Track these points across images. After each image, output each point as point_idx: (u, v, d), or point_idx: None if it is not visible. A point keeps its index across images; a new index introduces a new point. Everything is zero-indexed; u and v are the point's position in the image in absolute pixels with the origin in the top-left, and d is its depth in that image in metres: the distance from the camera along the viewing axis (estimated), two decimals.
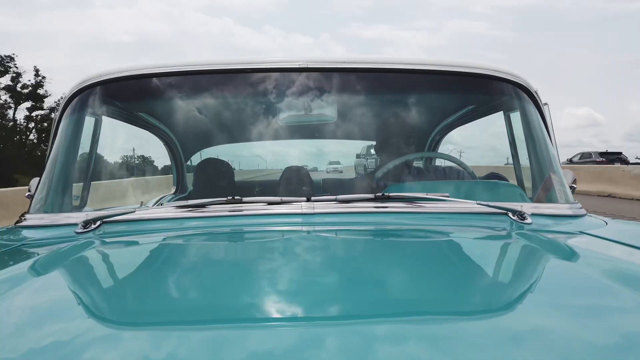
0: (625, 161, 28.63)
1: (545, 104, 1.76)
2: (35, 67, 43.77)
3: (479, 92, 1.98)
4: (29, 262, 1.10)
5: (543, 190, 1.62)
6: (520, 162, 1.90)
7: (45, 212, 1.50)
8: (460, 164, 1.99)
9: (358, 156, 2.71)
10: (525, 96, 1.72)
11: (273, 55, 1.65)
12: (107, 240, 1.27)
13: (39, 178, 1.62)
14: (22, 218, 1.47)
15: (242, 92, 1.82)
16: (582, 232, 1.33)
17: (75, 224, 1.35)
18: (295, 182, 2.07)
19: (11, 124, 44.82)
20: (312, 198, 1.41)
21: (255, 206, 1.39)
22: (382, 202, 1.41)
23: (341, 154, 2.85)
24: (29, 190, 1.70)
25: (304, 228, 1.31)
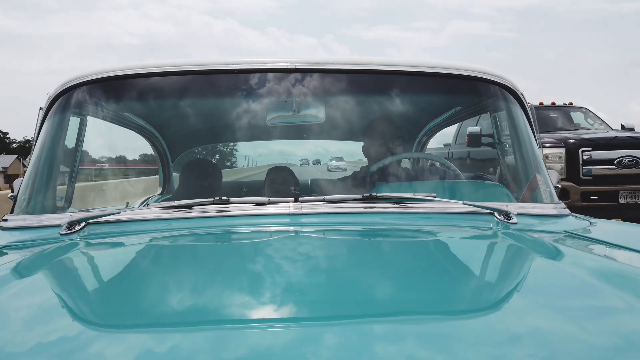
0: None
1: (530, 104, 1.78)
2: None
3: (466, 94, 2.00)
4: (12, 264, 1.08)
5: (528, 190, 1.64)
6: (506, 162, 1.92)
7: (29, 213, 1.47)
8: (446, 164, 2.01)
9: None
10: (511, 97, 1.74)
11: (260, 56, 1.64)
12: (92, 241, 1.26)
13: (21, 179, 1.60)
14: (4, 219, 1.45)
15: (228, 92, 1.81)
16: (566, 232, 1.35)
17: (59, 225, 1.33)
18: (282, 183, 2.06)
19: None
20: (300, 198, 1.40)
21: (243, 207, 1.39)
22: (370, 202, 1.41)
23: (330, 155, 2.84)
24: (12, 192, 1.67)
25: (292, 228, 1.30)
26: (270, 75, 1.66)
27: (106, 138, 2.20)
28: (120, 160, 2.51)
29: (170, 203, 1.39)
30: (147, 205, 2.25)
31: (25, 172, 1.59)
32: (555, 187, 1.70)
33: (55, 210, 1.55)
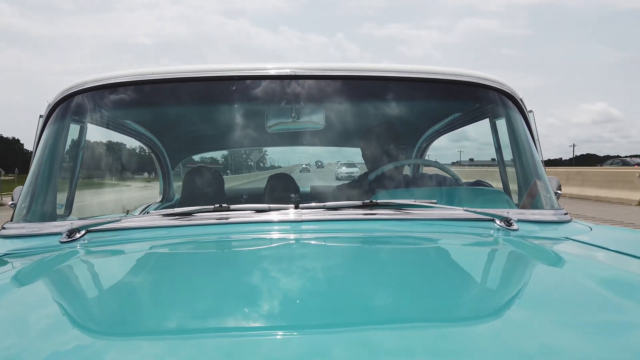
0: None
1: (530, 111, 1.79)
2: None
3: (465, 100, 2.00)
4: (11, 272, 1.08)
5: (529, 197, 1.64)
6: (506, 169, 1.92)
7: (28, 221, 1.47)
8: (447, 170, 2.00)
9: None
10: (511, 103, 1.74)
11: (260, 63, 1.64)
12: (92, 249, 1.25)
13: (21, 186, 1.60)
14: (4, 227, 1.44)
15: (228, 99, 1.81)
16: (567, 238, 1.34)
17: (60, 233, 1.32)
18: (282, 190, 2.06)
19: None
20: (300, 205, 1.40)
21: (243, 214, 1.38)
22: (370, 209, 1.41)
23: (333, 160, 2.83)
24: (12, 200, 1.67)
25: (292, 236, 1.30)
26: (269, 82, 1.66)
27: (106, 145, 2.19)
28: (120, 167, 2.51)
29: (171, 210, 1.39)
30: (147, 212, 2.25)
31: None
32: (556, 193, 1.69)
33: (55, 218, 1.55)
